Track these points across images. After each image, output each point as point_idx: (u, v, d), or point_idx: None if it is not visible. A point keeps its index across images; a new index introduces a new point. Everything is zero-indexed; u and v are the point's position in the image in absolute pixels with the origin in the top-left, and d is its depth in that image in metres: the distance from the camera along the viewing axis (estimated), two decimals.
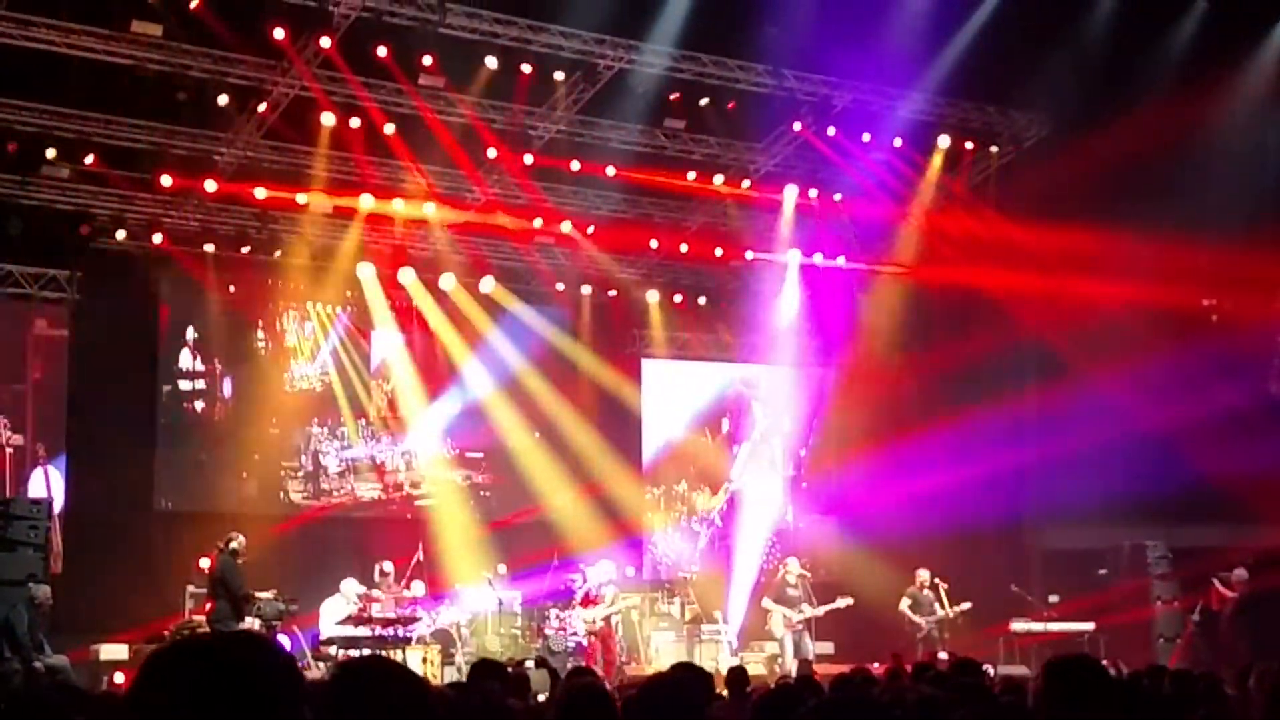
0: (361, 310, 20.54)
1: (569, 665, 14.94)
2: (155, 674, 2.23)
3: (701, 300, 22.39)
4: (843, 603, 18.87)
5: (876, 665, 12.55)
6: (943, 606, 18.68)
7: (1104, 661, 16.57)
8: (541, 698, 10.57)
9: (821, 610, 18.78)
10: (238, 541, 15.80)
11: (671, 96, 18.51)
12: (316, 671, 15.64)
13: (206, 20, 15.82)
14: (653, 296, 22.26)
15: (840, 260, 21.98)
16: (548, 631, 17.83)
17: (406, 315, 20.76)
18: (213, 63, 16.65)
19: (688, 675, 5.62)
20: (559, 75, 17.82)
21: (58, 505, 17.58)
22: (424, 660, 16.12)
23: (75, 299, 18.73)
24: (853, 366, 22.61)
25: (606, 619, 18.23)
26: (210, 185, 18.22)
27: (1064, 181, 18.88)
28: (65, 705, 5.37)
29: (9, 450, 18.22)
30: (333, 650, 16.21)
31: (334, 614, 16.94)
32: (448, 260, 20.54)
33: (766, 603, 19.03)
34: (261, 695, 2.21)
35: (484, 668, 8.17)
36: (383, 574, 17.92)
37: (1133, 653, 17.57)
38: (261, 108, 17.42)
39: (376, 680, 2.91)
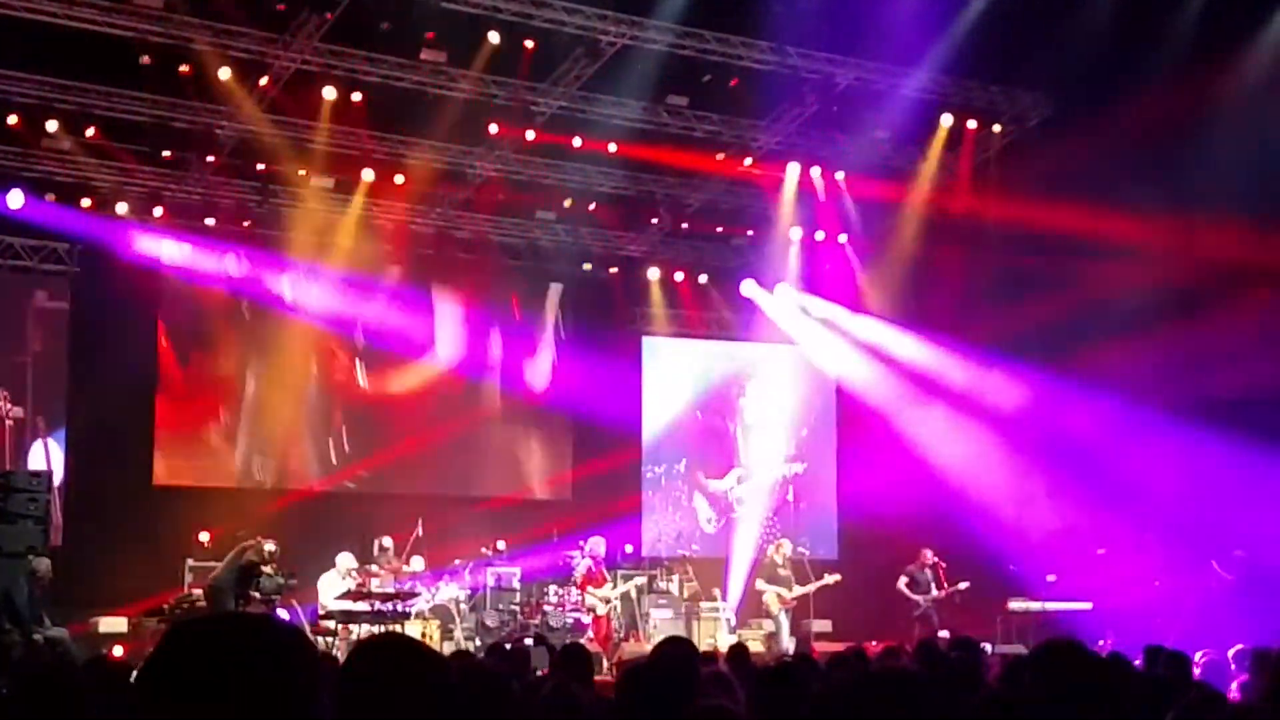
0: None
1: (567, 642, 14.95)
2: (180, 646, 2.20)
3: (703, 278, 22.36)
4: (830, 579, 18.97)
5: (874, 644, 12.57)
6: (939, 586, 18.79)
7: (1101, 642, 16.67)
8: (540, 674, 10.58)
9: (810, 588, 18.89)
10: (273, 545, 15.99)
11: (674, 73, 18.45)
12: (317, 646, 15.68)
13: None
14: (654, 274, 22.23)
15: (842, 238, 21.96)
16: (546, 608, 17.87)
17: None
18: (214, 36, 16.59)
19: (678, 650, 5.63)
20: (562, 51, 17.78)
21: (57, 478, 17.59)
22: (423, 635, 16.14)
23: (76, 271, 18.73)
24: (854, 344, 22.58)
25: (623, 595, 18.47)
26: (211, 159, 18.21)
27: (1067, 162, 18.83)
28: (65, 677, 5.38)
29: (9, 423, 18.19)
30: (331, 625, 16.26)
31: (331, 589, 16.97)
32: (449, 236, 20.51)
33: (759, 584, 19.17)
34: (288, 678, 2.18)
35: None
36: (382, 549, 17.95)
37: (1130, 633, 17.60)
38: (263, 81, 17.37)
39: (395, 657, 2.91)
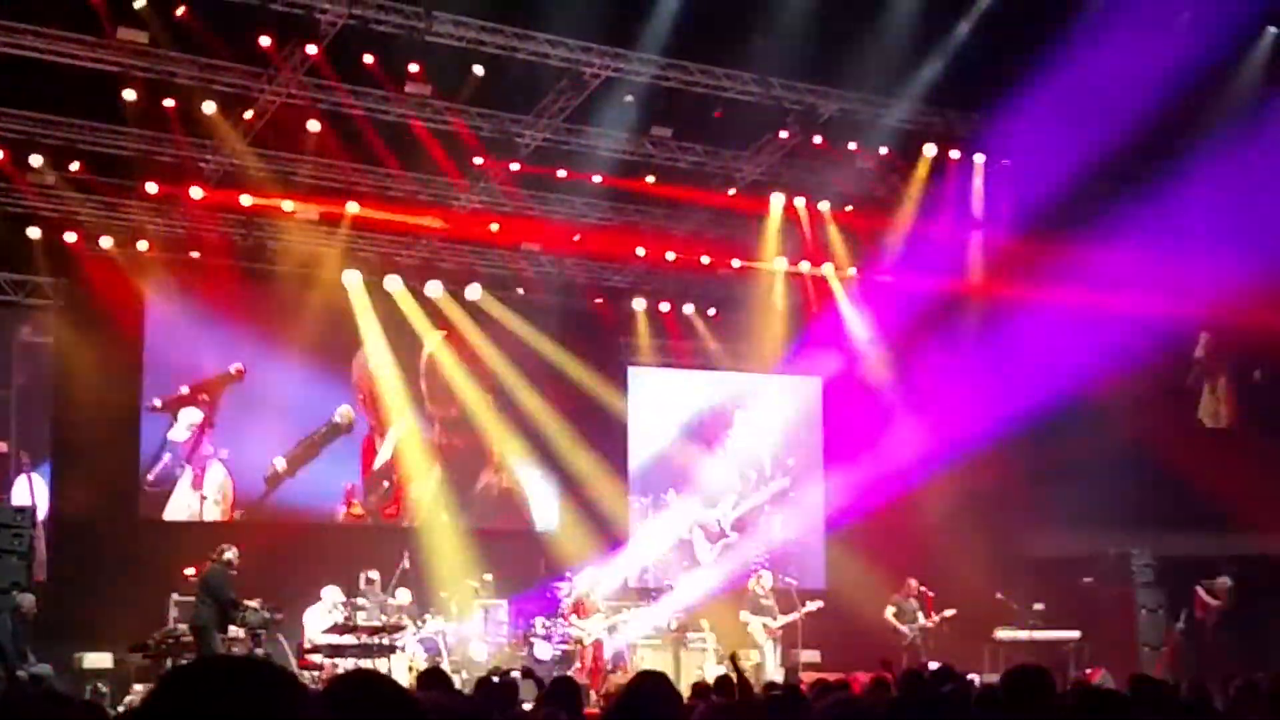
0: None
1: (555, 674, 14.91)
2: (170, 696, 2.20)
3: (688, 308, 22.40)
4: (812, 605, 18.97)
5: (862, 674, 12.56)
6: (926, 615, 18.77)
7: (1088, 670, 16.67)
8: (527, 707, 10.55)
9: (793, 617, 18.88)
10: (232, 552, 15.74)
11: (658, 105, 18.50)
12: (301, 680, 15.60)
13: (193, 28, 15.77)
14: (639, 304, 22.27)
15: (828, 268, 22.01)
16: (534, 641, 17.82)
17: (391, 322, 20.72)
18: (199, 70, 16.61)
19: (653, 684, 5.62)
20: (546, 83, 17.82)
21: (42, 513, 17.56)
22: (409, 669, 16.09)
23: (60, 306, 18.70)
24: (841, 374, 22.63)
25: (610, 627, 18.41)
26: (196, 192, 18.23)
27: (1050, 190, 18.91)
28: (51, 714, 5.34)
29: None
30: (317, 659, 16.19)
31: (317, 622, 16.91)
32: (434, 268, 20.55)
33: (744, 615, 19.15)
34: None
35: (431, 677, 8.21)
36: (369, 582, 17.89)
37: (1117, 661, 17.62)
38: (248, 115, 17.39)
39: (366, 696, 2.90)
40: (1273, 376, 20.34)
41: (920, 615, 18.75)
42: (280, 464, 19.93)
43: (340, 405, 20.44)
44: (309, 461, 20.11)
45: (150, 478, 19.26)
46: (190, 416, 19.52)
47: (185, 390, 19.47)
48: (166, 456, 19.37)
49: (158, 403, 19.34)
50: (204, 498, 19.42)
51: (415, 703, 2.98)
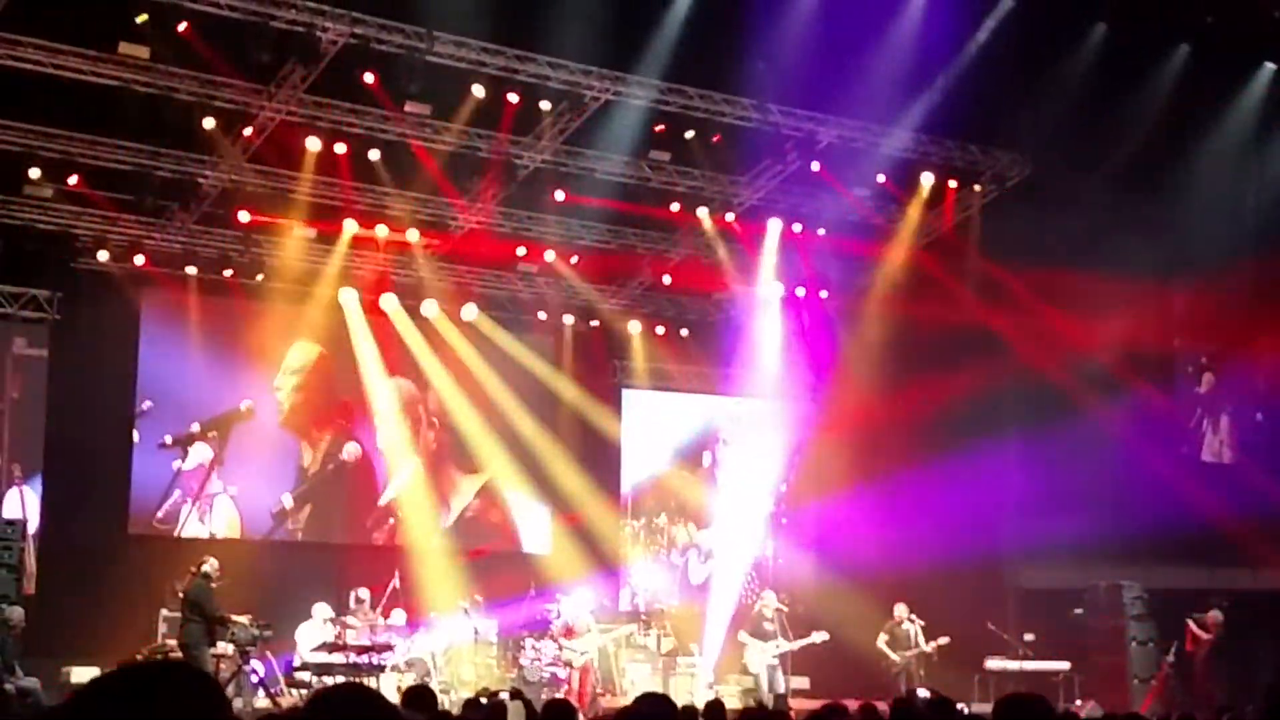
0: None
1: (543, 696, 14.88)
2: (83, 706, 2.21)
3: (684, 332, 22.42)
4: (818, 637, 18.83)
5: (852, 701, 12.50)
6: (916, 643, 18.67)
7: (1079, 701, 16.63)
8: None
9: (796, 645, 18.76)
10: (210, 565, 15.65)
11: (657, 128, 18.55)
12: (290, 698, 15.56)
13: (194, 44, 15.79)
14: (635, 327, 22.28)
15: (823, 295, 22.03)
16: (523, 662, 17.77)
17: (388, 341, 20.70)
18: (199, 86, 16.62)
19: (654, 706, 5.61)
20: (545, 105, 17.86)
21: (32, 526, 17.53)
22: (398, 688, 16.02)
23: (55, 319, 18.68)
24: (835, 401, 22.62)
25: (600, 650, 18.37)
26: (195, 208, 18.22)
27: (1046, 221, 18.96)
28: None
29: None
30: (306, 676, 16.14)
31: (310, 640, 16.86)
32: (430, 287, 20.55)
33: (743, 636, 19.02)
34: None
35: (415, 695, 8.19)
36: (358, 601, 17.86)
37: (1107, 693, 17.60)
38: (247, 131, 17.39)
39: (352, 708, 2.89)
40: (1274, 416, 20.37)
41: (913, 642, 18.57)
42: (288, 500, 19.93)
43: (347, 443, 20.47)
44: (315, 498, 20.15)
45: (160, 514, 19.21)
46: (200, 454, 19.49)
47: (196, 428, 19.45)
48: (175, 493, 19.33)
49: (169, 439, 19.32)
50: (212, 534, 19.36)
51: (398, 713, 2.98)
